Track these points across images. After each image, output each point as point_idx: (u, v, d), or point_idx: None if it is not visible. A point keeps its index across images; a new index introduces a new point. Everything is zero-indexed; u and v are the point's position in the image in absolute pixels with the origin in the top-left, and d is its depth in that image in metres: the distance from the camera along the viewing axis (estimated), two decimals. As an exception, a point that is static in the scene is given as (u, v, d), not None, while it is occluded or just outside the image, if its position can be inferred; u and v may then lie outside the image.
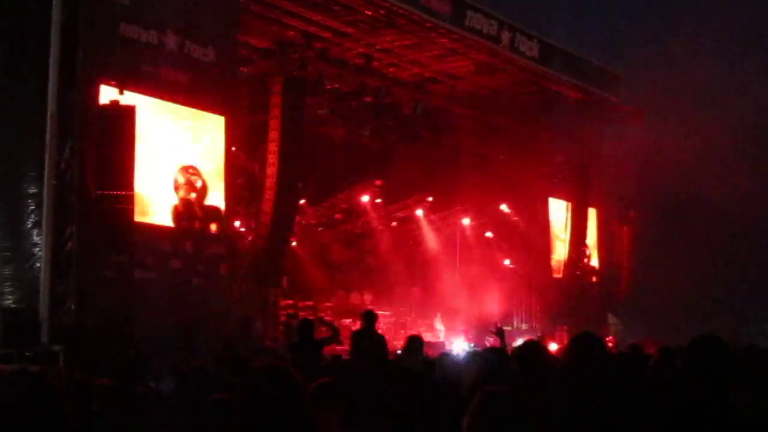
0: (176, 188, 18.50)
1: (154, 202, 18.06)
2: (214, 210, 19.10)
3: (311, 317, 19.05)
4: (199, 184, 18.89)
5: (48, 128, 16.12)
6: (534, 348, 6.23)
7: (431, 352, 15.85)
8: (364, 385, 5.55)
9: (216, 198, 19.27)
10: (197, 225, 18.71)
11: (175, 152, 18.64)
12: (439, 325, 29.14)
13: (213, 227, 19.04)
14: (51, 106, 16.16)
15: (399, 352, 14.24)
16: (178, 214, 18.40)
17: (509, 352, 8.09)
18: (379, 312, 19.41)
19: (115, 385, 7.34)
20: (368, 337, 12.97)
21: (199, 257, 18.61)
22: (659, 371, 7.72)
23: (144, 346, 14.23)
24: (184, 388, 8.67)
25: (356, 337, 13.43)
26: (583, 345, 5.27)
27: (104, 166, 15.86)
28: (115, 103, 16.12)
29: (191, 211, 18.67)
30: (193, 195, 18.79)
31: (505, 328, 28.10)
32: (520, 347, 6.53)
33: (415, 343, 11.66)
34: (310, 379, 4.86)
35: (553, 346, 26.98)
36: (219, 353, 14.95)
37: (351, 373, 6.32)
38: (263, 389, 4.09)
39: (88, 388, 7.67)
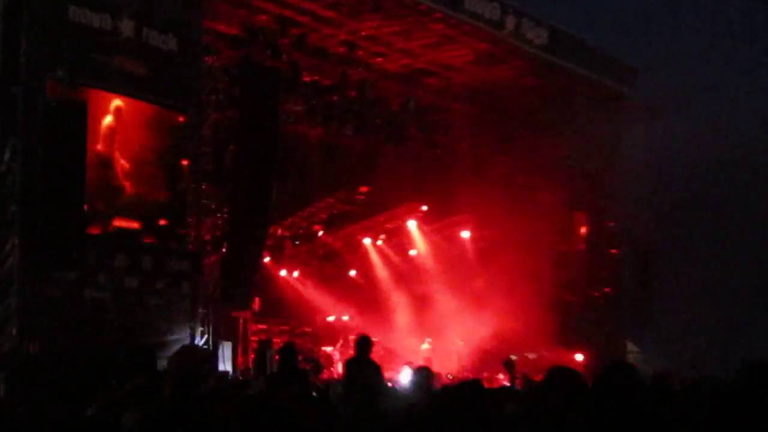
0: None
1: (107, 211, 18.21)
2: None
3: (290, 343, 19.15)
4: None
5: (-14, 126, 16.28)
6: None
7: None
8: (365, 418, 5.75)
9: (178, 206, 19.43)
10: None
11: (132, 153, 18.79)
12: (426, 348, 29.21)
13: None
14: (-10, 101, 16.33)
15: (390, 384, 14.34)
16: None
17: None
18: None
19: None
20: (363, 366, 13.03)
21: (159, 274, 18.75)
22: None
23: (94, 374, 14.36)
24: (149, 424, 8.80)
25: (350, 366, 13.50)
26: (618, 376, 5.43)
27: (51, 170, 15.99)
28: (63, 98, 16.27)
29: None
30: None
31: (512, 357, 28.47)
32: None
33: (423, 375, 11.53)
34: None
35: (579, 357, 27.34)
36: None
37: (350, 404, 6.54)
38: (263, 424, 4.24)
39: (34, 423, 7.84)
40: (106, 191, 18.48)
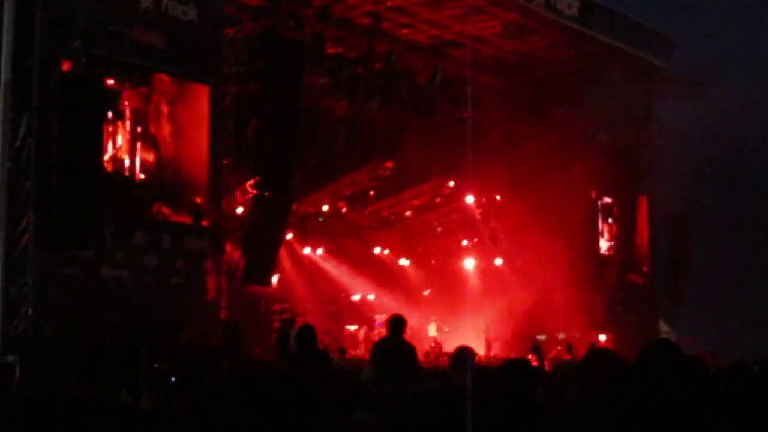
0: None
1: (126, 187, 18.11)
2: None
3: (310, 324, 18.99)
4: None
5: (1, 99, 16.13)
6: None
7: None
8: (400, 403, 5.58)
9: (198, 182, 19.30)
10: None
11: (150, 128, 18.67)
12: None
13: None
14: (5, 74, 16.16)
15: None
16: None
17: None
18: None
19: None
20: (396, 348, 12.76)
21: (178, 252, 18.65)
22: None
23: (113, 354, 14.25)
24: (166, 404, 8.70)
25: (381, 346, 13.25)
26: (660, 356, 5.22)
27: (68, 145, 15.86)
28: (80, 71, 16.12)
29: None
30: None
31: (539, 337, 28.34)
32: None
33: (465, 356, 11.20)
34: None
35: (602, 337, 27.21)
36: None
37: (383, 388, 6.36)
38: (280, 400, 4.13)
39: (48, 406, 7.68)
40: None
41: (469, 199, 31.53)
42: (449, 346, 26.85)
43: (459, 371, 10.61)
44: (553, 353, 26.31)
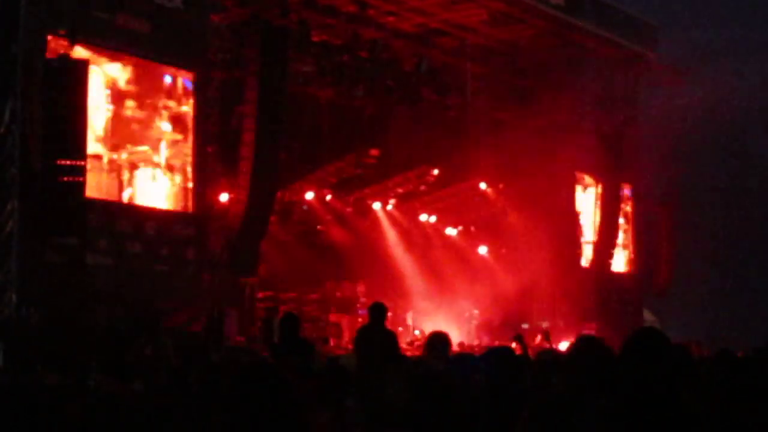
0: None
1: (109, 175, 18.09)
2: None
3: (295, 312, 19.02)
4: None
5: (-15, 86, 16.08)
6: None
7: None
8: (381, 389, 5.60)
9: (184, 170, 19.29)
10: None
11: (135, 115, 18.64)
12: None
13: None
14: (-12, 60, 16.12)
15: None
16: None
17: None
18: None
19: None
20: (377, 335, 12.82)
21: (163, 240, 18.67)
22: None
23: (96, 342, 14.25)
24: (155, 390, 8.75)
25: (362, 333, 13.30)
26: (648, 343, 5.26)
27: (52, 131, 15.83)
28: (64, 57, 16.10)
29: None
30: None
31: (522, 325, 28.37)
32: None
33: (439, 341, 11.37)
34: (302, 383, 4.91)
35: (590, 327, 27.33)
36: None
37: (365, 375, 6.39)
38: (249, 391, 4.15)
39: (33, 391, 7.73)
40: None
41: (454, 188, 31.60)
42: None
43: (435, 354, 10.72)
44: (536, 342, 26.37)
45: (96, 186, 17.93)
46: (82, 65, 16.19)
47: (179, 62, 19.39)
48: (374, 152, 29.23)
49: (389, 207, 31.52)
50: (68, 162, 16.01)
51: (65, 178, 15.97)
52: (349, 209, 30.80)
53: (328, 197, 30.03)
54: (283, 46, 22.85)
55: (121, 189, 19.11)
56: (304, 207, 29.76)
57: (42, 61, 16.18)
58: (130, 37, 18.19)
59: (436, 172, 30.98)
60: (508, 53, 29.07)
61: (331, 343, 24.71)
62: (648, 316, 33.83)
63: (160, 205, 19.54)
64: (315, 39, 24.93)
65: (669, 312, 33.80)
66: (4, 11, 16.17)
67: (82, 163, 16.17)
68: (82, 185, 16.20)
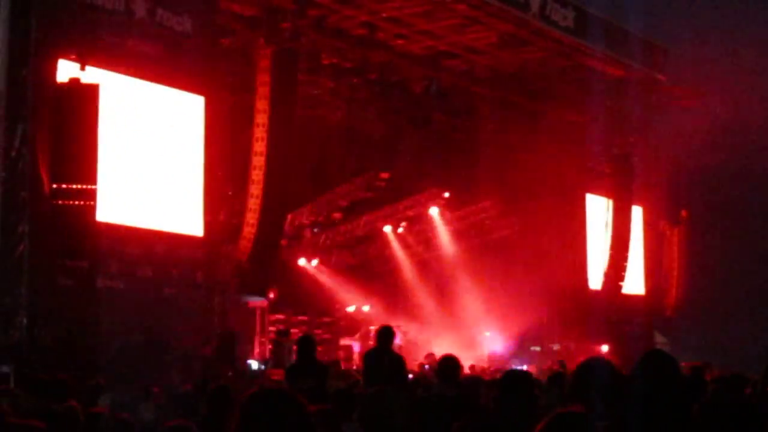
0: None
1: (120, 199, 18.11)
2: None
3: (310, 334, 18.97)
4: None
5: (-4, 110, 16.16)
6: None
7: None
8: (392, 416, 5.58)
9: (194, 193, 19.32)
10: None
11: (145, 139, 18.68)
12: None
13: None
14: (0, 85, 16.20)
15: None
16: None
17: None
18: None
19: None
20: (384, 358, 12.82)
21: (173, 263, 18.65)
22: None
23: (106, 365, 14.29)
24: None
25: (370, 357, 13.30)
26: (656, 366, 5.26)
27: (62, 155, 15.89)
28: (74, 81, 16.16)
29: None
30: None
31: (533, 348, 28.34)
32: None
33: (449, 365, 11.21)
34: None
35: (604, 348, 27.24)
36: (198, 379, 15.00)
37: (376, 401, 6.36)
38: (260, 416, 4.13)
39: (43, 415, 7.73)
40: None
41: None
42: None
43: (446, 380, 10.67)
44: (547, 365, 26.30)
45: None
46: (93, 89, 16.24)
47: (189, 86, 19.41)
48: (384, 175, 29.30)
49: (400, 230, 31.54)
50: (79, 186, 16.04)
51: (76, 202, 16.00)
52: (359, 231, 30.83)
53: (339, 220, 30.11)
54: (293, 69, 22.87)
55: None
56: (315, 230, 29.82)
57: (53, 85, 16.23)
58: (140, 60, 18.23)
59: (446, 194, 31.02)
60: (517, 75, 29.08)
61: (342, 366, 24.68)
62: (659, 338, 33.73)
63: (170, 229, 19.55)
64: (325, 62, 25.00)
65: (680, 334, 33.67)
66: (15, 36, 16.27)
67: (93, 186, 16.18)
68: (92, 208, 16.23)
